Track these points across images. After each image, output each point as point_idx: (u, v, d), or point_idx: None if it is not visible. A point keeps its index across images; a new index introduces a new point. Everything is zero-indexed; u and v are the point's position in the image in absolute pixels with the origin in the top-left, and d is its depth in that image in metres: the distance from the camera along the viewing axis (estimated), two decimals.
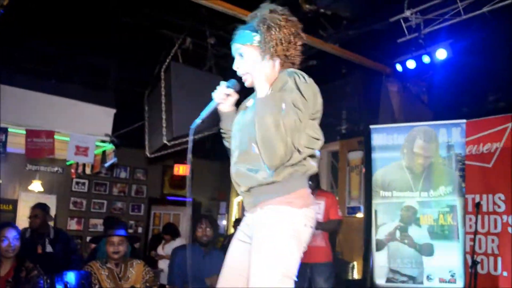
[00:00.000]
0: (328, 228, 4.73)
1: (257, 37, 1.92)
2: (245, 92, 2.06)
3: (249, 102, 2.05)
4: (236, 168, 1.92)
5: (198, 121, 1.99)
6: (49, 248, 4.56)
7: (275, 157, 1.72)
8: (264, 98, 1.78)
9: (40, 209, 4.79)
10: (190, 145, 2.00)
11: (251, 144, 1.84)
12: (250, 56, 1.95)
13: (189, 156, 2.00)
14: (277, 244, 1.74)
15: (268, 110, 1.72)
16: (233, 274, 1.95)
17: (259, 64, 1.91)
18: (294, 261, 1.75)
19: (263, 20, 1.90)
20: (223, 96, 2.00)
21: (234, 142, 1.99)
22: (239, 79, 2.02)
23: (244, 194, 1.92)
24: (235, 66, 2.00)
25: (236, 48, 1.99)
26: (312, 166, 1.88)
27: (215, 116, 2.11)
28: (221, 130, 2.13)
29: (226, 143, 2.14)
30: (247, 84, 1.98)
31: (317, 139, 1.87)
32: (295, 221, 1.78)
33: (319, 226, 4.62)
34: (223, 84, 1.99)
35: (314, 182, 4.66)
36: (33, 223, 4.63)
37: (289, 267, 1.74)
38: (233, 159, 1.96)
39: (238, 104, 2.12)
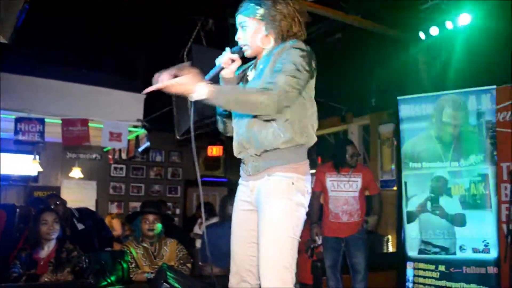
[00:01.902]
0: (380, 208, 4.78)
1: (260, 11, 1.99)
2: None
3: (250, 73, 2.12)
4: (249, 130, 1.97)
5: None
6: (80, 226, 4.76)
7: (263, 107, 1.79)
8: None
9: (55, 197, 4.99)
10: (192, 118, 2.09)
11: None
12: (251, 29, 2.01)
13: (191, 117, 2.09)
14: (285, 214, 1.87)
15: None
16: (243, 244, 2.05)
17: (258, 36, 1.99)
18: (300, 223, 1.92)
19: None
20: (227, 60, 2.02)
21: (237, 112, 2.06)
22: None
23: (251, 158, 1.99)
24: (236, 37, 2.06)
25: (239, 19, 2.04)
26: (315, 137, 2.02)
27: None
28: (219, 111, 2.19)
29: (222, 123, 2.24)
30: (246, 54, 2.05)
31: (315, 111, 2.01)
32: (302, 184, 1.93)
33: (377, 213, 4.66)
34: (228, 49, 2.02)
35: (354, 163, 4.63)
36: (60, 208, 4.78)
37: (295, 230, 1.89)
38: (243, 123, 2.01)
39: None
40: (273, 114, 1.83)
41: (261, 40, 2.02)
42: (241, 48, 2.03)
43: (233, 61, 2.03)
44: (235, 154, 2.09)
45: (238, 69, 2.10)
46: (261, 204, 1.93)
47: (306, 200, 1.95)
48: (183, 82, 1.78)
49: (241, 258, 2.04)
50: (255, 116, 1.93)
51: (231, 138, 2.16)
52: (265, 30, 2.00)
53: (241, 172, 2.12)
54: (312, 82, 1.98)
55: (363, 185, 4.61)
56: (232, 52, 2.02)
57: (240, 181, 2.14)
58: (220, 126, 2.27)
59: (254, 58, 2.13)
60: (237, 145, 2.06)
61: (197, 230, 7.00)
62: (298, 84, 1.83)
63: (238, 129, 2.06)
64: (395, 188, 6.83)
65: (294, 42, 1.91)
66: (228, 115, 2.17)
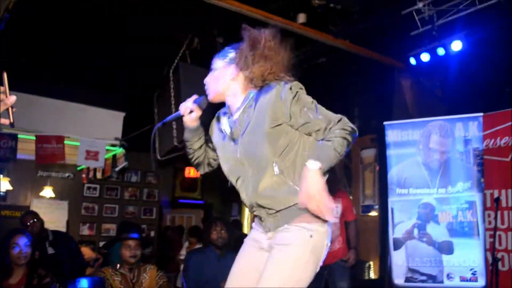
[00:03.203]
0: (357, 238, 4.72)
1: (231, 54, 1.94)
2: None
3: (223, 120, 2.02)
4: (261, 192, 1.84)
5: (159, 124, 2.06)
6: (50, 250, 4.50)
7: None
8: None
9: (33, 214, 4.74)
10: (152, 147, 2.13)
11: (272, 166, 1.80)
12: (218, 70, 1.96)
13: (152, 155, 2.09)
14: (297, 264, 1.76)
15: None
16: (243, 281, 1.91)
17: (221, 80, 1.93)
18: (308, 279, 1.80)
19: (245, 39, 1.90)
20: (185, 110, 1.96)
21: (237, 169, 1.93)
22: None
23: (270, 216, 1.86)
24: (204, 80, 2.02)
25: (213, 63, 2.01)
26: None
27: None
28: (184, 138, 2.10)
29: (189, 151, 2.12)
30: (209, 98, 1.99)
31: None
32: (319, 240, 1.81)
33: (354, 245, 4.58)
34: (193, 97, 1.97)
35: (334, 186, 4.58)
36: (34, 228, 4.54)
37: (301, 283, 1.77)
38: (248, 185, 1.89)
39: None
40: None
41: (226, 83, 1.94)
42: (204, 101, 1.97)
43: (191, 111, 1.96)
44: (249, 211, 2.00)
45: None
46: (274, 250, 1.81)
47: (320, 258, 1.84)
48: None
49: None
50: (263, 176, 1.82)
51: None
52: (231, 74, 1.92)
53: (257, 221, 2.00)
54: None
55: (342, 210, 4.55)
56: (195, 102, 1.96)
57: (254, 225, 2.02)
58: (187, 155, 2.17)
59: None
60: (249, 204, 1.93)
61: (183, 253, 6.75)
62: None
63: (245, 191, 1.92)
64: (376, 213, 6.79)
65: (286, 86, 1.82)
66: (190, 139, 2.08)
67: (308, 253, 1.77)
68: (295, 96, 1.80)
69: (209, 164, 2.18)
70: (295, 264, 1.75)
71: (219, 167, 2.11)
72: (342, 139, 1.74)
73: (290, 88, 1.81)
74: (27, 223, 4.49)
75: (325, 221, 1.84)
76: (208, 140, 2.13)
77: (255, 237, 1.96)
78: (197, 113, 1.97)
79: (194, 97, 1.97)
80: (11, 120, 1.37)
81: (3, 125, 1.39)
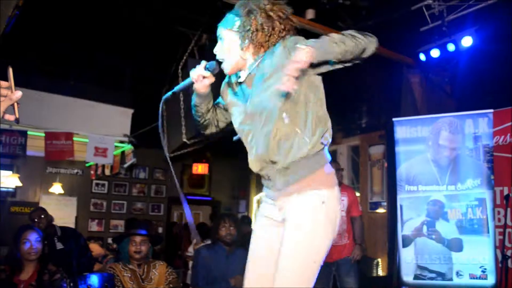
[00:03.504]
0: (362, 234, 4.69)
1: (238, 22, 1.88)
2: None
3: (242, 74, 1.96)
4: (271, 144, 1.80)
5: (169, 94, 1.99)
6: (59, 246, 4.52)
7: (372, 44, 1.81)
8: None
9: (41, 210, 4.77)
10: (160, 117, 2.05)
11: (282, 115, 1.78)
12: (227, 42, 1.90)
13: (160, 126, 2.06)
14: (313, 233, 1.75)
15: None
16: (261, 263, 1.89)
17: (235, 49, 1.89)
18: (325, 247, 1.78)
19: (245, 4, 1.87)
20: (198, 77, 1.91)
21: (248, 124, 1.91)
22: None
23: (278, 171, 1.83)
24: (214, 49, 1.96)
25: (218, 31, 1.95)
26: (330, 136, 1.89)
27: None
28: (193, 103, 2.04)
29: (198, 114, 2.07)
30: (226, 72, 1.95)
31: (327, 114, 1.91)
32: (331, 206, 1.79)
33: (360, 241, 4.57)
34: (203, 63, 1.92)
35: (340, 178, 4.58)
36: (41, 224, 4.57)
37: (320, 253, 1.76)
38: (259, 138, 1.85)
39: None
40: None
41: (240, 53, 1.89)
42: (219, 64, 1.93)
43: (204, 77, 1.91)
44: (255, 171, 1.92)
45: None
46: (288, 222, 1.78)
47: (335, 223, 1.81)
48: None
49: (256, 277, 1.89)
50: (273, 127, 1.79)
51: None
52: (241, 43, 1.88)
53: (266, 189, 1.96)
54: None
55: (348, 205, 4.54)
56: (206, 69, 1.91)
57: (264, 198, 1.99)
58: (195, 117, 2.11)
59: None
60: (258, 161, 1.88)
61: (191, 251, 6.76)
62: None
63: (255, 145, 1.88)
64: (384, 210, 6.76)
65: (289, 38, 1.84)
66: (199, 104, 2.02)
67: (323, 221, 1.76)
68: (296, 40, 1.79)
69: (217, 126, 2.14)
70: (310, 234, 1.73)
71: (230, 131, 2.09)
72: (347, 37, 1.72)
73: (293, 38, 1.82)
74: (35, 219, 4.52)
75: (335, 185, 1.83)
76: (218, 101, 2.09)
77: (267, 213, 1.93)
78: (210, 79, 1.93)
79: (204, 63, 1.92)
80: (17, 116, 1.37)
81: (8, 120, 1.39)
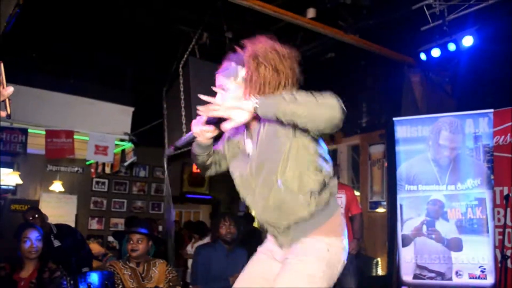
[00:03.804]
0: (361, 230, 4.71)
1: (242, 72, 1.79)
2: None
3: (247, 145, 1.89)
4: (270, 208, 1.77)
5: (171, 150, 1.89)
6: (56, 243, 4.54)
7: (331, 119, 1.54)
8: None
9: (34, 210, 4.77)
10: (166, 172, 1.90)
11: (276, 181, 1.72)
12: (232, 93, 1.80)
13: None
14: (311, 277, 1.68)
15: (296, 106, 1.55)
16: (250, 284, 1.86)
17: (238, 103, 1.74)
18: None
19: (255, 57, 1.76)
20: (202, 133, 1.82)
21: (247, 185, 1.86)
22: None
23: (283, 233, 1.80)
24: (216, 102, 1.82)
25: (219, 80, 1.84)
26: (336, 181, 1.82)
27: None
28: (194, 152, 1.96)
29: (197, 161, 2.00)
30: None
31: (330, 159, 1.83)
32: (336, 255, 1.75)
33: (357, 236, 4.58)
34: (203, 116, 1.78)
35: (336, 168, 4.60)
36: (35, 223, 4.57)
37: None
38: (257, 202, 1.82)
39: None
40: (338, 124, 1.56)
41: None
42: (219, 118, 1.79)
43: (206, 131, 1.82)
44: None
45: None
46: (289, 259, 1.74)
47: (335, 273, 1.75)
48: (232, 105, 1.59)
49: None
50: (275, 189, 1.73)
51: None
52: (247, 95, 1.76)
53: (271, 239, 1.93)
54: None
55: (347, 203, 4.55)
56: (208, 123, 1.79)
57: (270, 238, 1.94)
58: (195, 162, 2.03)
59: None
60: (261, 223, 1.88)
61: (189, 249, 6.77)
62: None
63: (255, 208, 1.85)
64: (384, 210, 6.77)
65: None
66: (201, 154, 1.95)
67: (324, 267, 1.70)
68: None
69: (219, 166, 2.07)
70: (309, 278, 1.67)
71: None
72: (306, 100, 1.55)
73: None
74: (29, 219, 4.54)
75: (343, 235, 1.78)
76: (219, 151, 2.03)
77: (269, 247, 1.90)
78: (213, 133, 1.83)
79: (204, 117, 1.80)
80: (8, 112, 1.36)
81: (0, 116, 1.38)
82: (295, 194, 1.71)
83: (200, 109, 1.67)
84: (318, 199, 1.72)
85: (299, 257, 1.71)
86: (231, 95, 1.80)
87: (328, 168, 1.77)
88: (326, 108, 1.53)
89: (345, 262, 1.79)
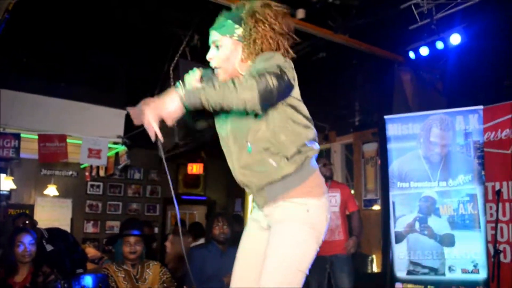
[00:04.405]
0: (359, 227, 4.69)
1: (239, 30, 1.78)
2: None
3: None
4: (244, 168, 1.81)
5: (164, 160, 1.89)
6: (49, 247, 4.54)
7: (249, 102, 1.54)
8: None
9: (24, 216, 4.79)
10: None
11: (246, 145, 1.75)
12: (226, 50, 1.80)
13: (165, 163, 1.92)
14: (297, 241, 1.71)
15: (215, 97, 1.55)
16: (247, 266, 1.89)
17: (235, 59, 1.79)
18: (310, 256, 1.75)
19: (252, 13, 1.76)
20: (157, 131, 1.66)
21: (226, 146, 1.88)
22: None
23: (257, 193, 1.83)
24: (208, 56, 1.84)
25: (214, 37, 1.83)
26: (317, 146, 1.84)
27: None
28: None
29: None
30: (220, 78, 1.82)
31: (311, 120, 1.83)
32: (317, 215, 1.76)
33: (356, 233, 4.58)
34: (197, 70, 1.80)
35: (328, 172, 4.61)
36: None
37: (304, 262, 1.73)
38: (234, 163, 1.85)
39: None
40: (255, 108, 1.57)
41: (238, 63, 1.80)
42: (213, 72, 1.83)
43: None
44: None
45: None
46: (272, 230, 1.77)
47: (321, 232, 1.78)
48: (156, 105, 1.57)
49: (241, 279, 1.90)
50: (246, 152, 1.76)
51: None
52: (243, 53, 1.78)
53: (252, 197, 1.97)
54: (296, 88, 1.79)
55: (342, 201, 4.56)
56: (202, 77, 1.80)
57: (253, 204, 1.98)
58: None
59: None
60: (238, 182, 1.89)
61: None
62: (280, 85, 1.59)
63: (232, 166, 1.88)
64: (378, 207, 6.80)
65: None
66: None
67: (307, 228, 1.72)
68: (268, 57, 1.70)
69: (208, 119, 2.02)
70: (294, 242, 1.70)
71: None
72: (237, 89, 1.53)
73: (269, 53, 1.72)
74: (19, 225, 4.55)
75: (322, 195, 1.79)
76: None
77: (255, 216, 1.93)
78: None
79: (200, 71, 1.81)
80: None
81: None
82: (265, 157, 1.73)
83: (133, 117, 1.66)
84: (290, 162, 1.74)
85: (280, 224, 1.74)
86: (224, 52, 1.79)
87: (303, 132, 1.78)
88: (241, 92, 1.52)
89: (329, 218, 1.82)
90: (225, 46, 1.79)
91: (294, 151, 1.74)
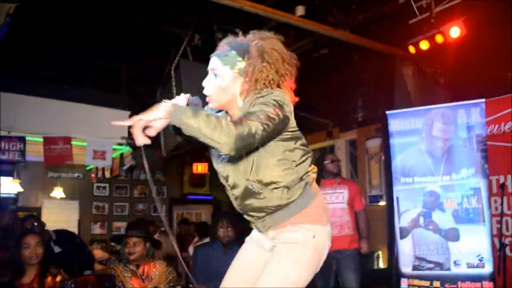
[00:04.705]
0: (366, 228, 4.69)
1: (241, 64, 1.74)
2: None
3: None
4: (242, 205, 1.85)
5: (147, 170, 1.86)
6: (57, 249, 4.59)
7: (223, 145, 1.51)
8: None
9: (33, 218, 4.83)
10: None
11: (247, 181, 1.78)
12: (225, 81, 1.76)
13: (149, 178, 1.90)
14: (299, 262, 1.76)
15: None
16: (242, 280, 1.91)
17: (230, 92, 1.76)
18: (307, 279, 1.78)
19: (261, 53, 1.73)
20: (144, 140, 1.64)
21: (224, 181, 1.90)
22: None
23: (259, 222, 1.87)
24: (204, 83, 1.80)
25: (213, 64, 1.79)
26: (314, 172, 1.87)
27: None
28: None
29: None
30: (210, 105, 1.82)
31: (307, 146, 1.85)
32: (322, 242, 1.81)
33: (364, 234, 4.58)
34: (186, 97, 1.75)
35: (336, 169, 4.61)
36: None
37: (301, 283, 1.76)
38: (233, 197, 1.88)
39: None
40: (228, 153, 1.54)
41: (231, 96, 1.77)
42: (200, 100, 1.80)
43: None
44: None
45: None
46: (278, 248, 1.81)
47: (322, 258, 1.82)
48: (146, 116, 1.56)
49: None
50: (247, 189, 1.78)
51: None
52: (241, 87, 1.75)
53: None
54: (292, 119, 1.77)
55: (349, 197, 4.55)
56: (190, 103, 1.74)
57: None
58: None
59: None
60: (239, 211, 1.92)
61: (191, 250, 6.81)
62: (266, 129, 1.57)
63: (231, 198, 1.90)
64: (383, 203, 6.80)
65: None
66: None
67: (312, 253, 1.77)
68: (264, 94, 1.69)
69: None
70: (298, 264, 1.74)
71: None
72: (203, 135, 1.50)
73: (267, 93, 1.70)
74: (28, 227, 4.59)
75: (327, 222, 1.84)
76: None
77: (257, 236, 1.96)
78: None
79: (187, 96, 1.76)
80: None
81: None
82: (266, 191, 1.76)
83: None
84: (292, 191, 1.78)
85: (287, 245, 1.78)
86: (221, 83, 1.76)
87: (302, 161, 1.80)
88: (216, 133, 1.48)
89: (329, 246, 1.85)
90: (224, 76, 1.76)
91: (295, 180, 1.78)
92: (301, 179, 1.80)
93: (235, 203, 1.89)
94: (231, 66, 1.75)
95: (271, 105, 1.62)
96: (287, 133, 1.75)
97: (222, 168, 1.87)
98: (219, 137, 1.48)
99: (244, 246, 2.01)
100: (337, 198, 4.51)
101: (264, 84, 1.72)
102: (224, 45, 1.80)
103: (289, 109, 1.72)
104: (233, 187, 1.84)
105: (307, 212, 1.81)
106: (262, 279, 1.75)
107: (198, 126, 1.49)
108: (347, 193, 4.56)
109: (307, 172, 1.82)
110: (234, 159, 1.78)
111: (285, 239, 1.80)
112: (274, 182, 1.75)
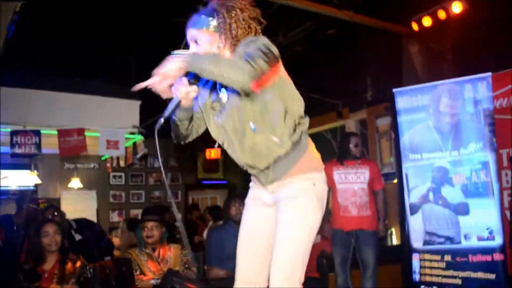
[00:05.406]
0: (384, 208, 4.76)
1: (213, 22, 1.84)
2: None
3: (223, 96, 1.94)
4: (245, 153, 1.90)
5: (161, 121, 1.90)
6: (77, 237, 4.75)
7: (242, 80, 1.63)
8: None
9: (53, 208, 4.98)
10: (158, 146, 1.96)
11: (249, 125, 1.84)
12: (205, 42, 1.85)
13: (160, 158, 2.03)
14: (307, 214, 1.85)
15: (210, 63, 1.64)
16: (253, 242, 1.99)
17: (214, 49, 1.84)
18: (317, 226, 1.90)
19: (222, 3, 1.84)
20: (185, 95, 1.82)
21: (221, 134, 1.95)
22: None
23: (262, 173, 1.92)
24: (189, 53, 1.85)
25: (191, 34, 1.89)
26: (307, 120, 1.94)
27: None
28: (177, 119, 1.99)
29: (181, 128, 2.03)
30: None
31: (301, 100, 1.92)
32: (322, 188, 1.92)
33: (382, 216, 4.68)
34: (184, 79, 1.80)
35: (359, 154, 4.65)
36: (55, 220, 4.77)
37: (314, 233, 1.88)
38: (235, 149, 1.93)
39: None
40: (248, 90, 1.67)
41: (219, 53, 1.85)
42: (195, 76, 1.82)
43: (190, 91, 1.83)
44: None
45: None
46: (282, 204, 1.88)
47: (324, 203, 1.93)
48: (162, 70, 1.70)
49: (247, 262, 2.00)
50: (249, 134, 1.85)
51: None
52: (220, 42, 1.84)
53: (254, 180, 2.05)
54: (281, 65, 1.88)
55: (370, 178, 4.60)
56: (190, 83, 1.81)
57: (253, 184, 2.07)
58: (177, 132, 2.06)
59: None
60: (241, 165, 1.99)
61: (205, 234, 6.94)
62: (270, 64, 1.70)
63: (232, 153, 1.98)
64: (395, 181, 6.82)
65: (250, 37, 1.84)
66: (185, 119, 1.97)
67: (315, 201, 1.87)
68: (252, 39, 1.79)
69: (197, 132, 2.10)
70: (306, 214, 1.84)
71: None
72: (228, 64, 1.65)
73: (253, 37, 1.82)
74: (49, 217, 4.75)
75: (322, 168, 1.94)
76: (196, 111, 2.04)
77: (255, 194, 2.03)
78: (197, 92, 1.86)
79: (184, 78, 1.80)
80: None
81: None
82: (268, 135, 1.83)
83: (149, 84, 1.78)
84: (290, 137, 1.85)
85: (291, 199, 1.86)
86: (204, 45, 1.85)
87: (297, 106, 1.89)
88: (234, 71, 1.62)
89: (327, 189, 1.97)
90: (203, 39, 1.86)
91: (292, 125, 1.85)
92: (296, 126, 1.87)
93: (238, 156, 1.93)
94: (206, 27, 1.85)
95: (263, 46, 1.73)
96: (280, 76, 1.86)
97: (222, 120, 1.92)
98: (242, 76, 1.61)
99: (246, 208, 2.07)
100: (358, 178, 4.56)
101: (238, 27, 1.83)
102: (193, 16, 1.92)
103: (277, 51, 1.79)
104: (235, 138, 1.90)
105: (304, 160, 1.88)
106: (275, 248, 1.82)
107: (219, 71, 1.61)
108: (368, 173, 4.60)
109: (301, 119, 1.89)
110: (234, 106, 1.85)
111: (287, 192, 1.88)
112: (274, 126, 1.83)
